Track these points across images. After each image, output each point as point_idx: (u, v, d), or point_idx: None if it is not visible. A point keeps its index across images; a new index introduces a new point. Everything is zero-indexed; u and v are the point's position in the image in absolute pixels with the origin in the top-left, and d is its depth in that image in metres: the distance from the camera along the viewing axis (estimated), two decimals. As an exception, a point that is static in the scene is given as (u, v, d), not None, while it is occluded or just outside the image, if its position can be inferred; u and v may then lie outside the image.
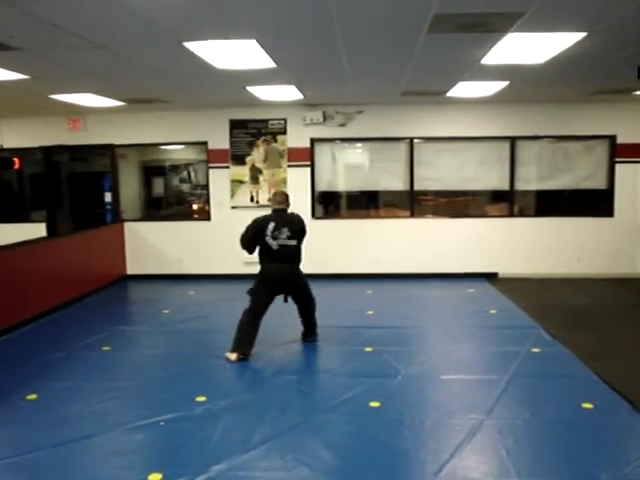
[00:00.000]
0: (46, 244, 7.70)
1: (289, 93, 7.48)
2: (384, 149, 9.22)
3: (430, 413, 4.20)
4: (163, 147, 10.52)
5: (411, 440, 3.82)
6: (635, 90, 7.41)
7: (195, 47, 4.80)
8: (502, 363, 5.19)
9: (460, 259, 9.03)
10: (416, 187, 9.09)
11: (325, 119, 8.86)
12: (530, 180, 9.07)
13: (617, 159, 8.82)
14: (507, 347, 5.64)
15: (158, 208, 11.20)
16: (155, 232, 9.44)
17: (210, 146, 9.16)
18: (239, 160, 9.08)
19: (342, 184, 9.47)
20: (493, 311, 7.08)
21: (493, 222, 9.11)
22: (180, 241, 9.34)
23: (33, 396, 4.58)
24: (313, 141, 9.06)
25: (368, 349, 5.66)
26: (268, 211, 5.70)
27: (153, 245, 9.36)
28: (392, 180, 9.20)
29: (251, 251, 5.56)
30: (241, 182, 9.12)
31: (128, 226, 9.46)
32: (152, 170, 11.19)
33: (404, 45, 4.90)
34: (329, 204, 9.58)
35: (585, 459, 3.52)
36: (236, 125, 9.05)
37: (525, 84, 6.92)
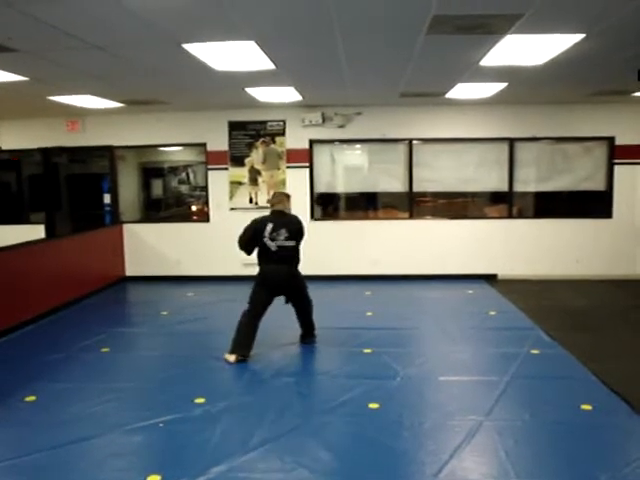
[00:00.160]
0: (45, 245, 7.69)
1: (288, 95, 7.49)
2: (383, 150, 9.23)
3: (429, 414, 4.20)
4: (162, 149, 10.52)
5: (410, 441, 3.82)
6: (634, 92, 7.42)
7: (194, 49, 4.81)
8: (501, 364, 5.19)
9: (459, 260, 9.03)
10: (415, 188, 9.09)
11: (324, 120, 8.86)
12: (529, 181, 9.08)
13: (616, 160, 8.83)
14: (506, 348, 5.64)
15: (157, 210, 11.20)
16: (154, 234, 9.43)
17: (209, 147, 9.17)
18: (238, 161, 9.08)
19: (341, 185, 9.47)
20: (492, 312, 7.08)
21: (492, 223, 9.12)
22: (179, 242, 9.33)
23: (32, 397, 4.57)
24: (312, 142, 9.06)
25: (367, 350, 5.65)
26: (267, 212, 5.70)
27: (152, 247, 9.36)
28: (391, 181, 9.20)
29: (249, 252, 5.56)
30: (240, 183, 9.12)
31: (127, 228, 9.45)
32: (151, 172, 11.19)
33: (403, 46, 4.91)
34: (328, 205, 9.58)
35: (584, 460, 3.52)
36: (235, 126, 9.05)
37: (524, 85, 6.93)
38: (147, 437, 3.93)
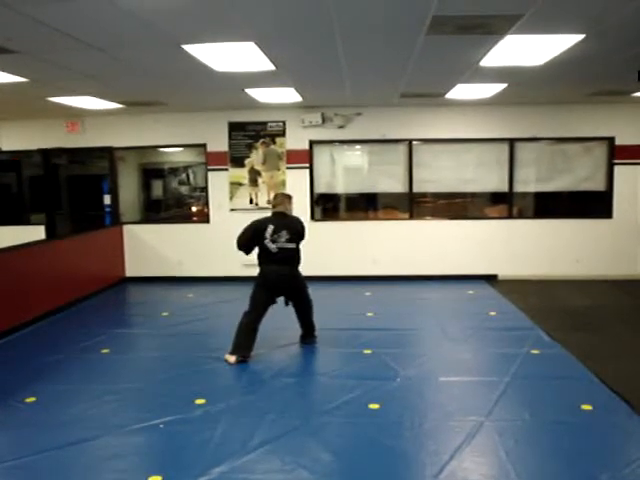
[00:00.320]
0: (45, 247, 7.70)
1: (288, 95, 7.49)
2: (383, 151, 9.23)
3: (429, 415, 4.20)
4: (162, 149, 10.53)
5: (410, 442, 3.81)
6: (634, 92, 7.42)
7: (194, 49, 4.81)
8: (501, 365, 5.19)
9: (459, 261, 9.03)
10: (415, 189, 9.09)
11: (324, 121, 8.86)
12: (529, 182, 9.08)
13: (616, 161, 8.83)
14: (506, 349, 5.64)
15: (157, 210, 11.19)
16: (154, 234, 9.43)
17: (209, 148, 9.17)
18: (238, 162, 9.08)
19: (341, 186, 9.47)
20: (492, 313, 7.08)
21: (492, 224, 9.12)
22: (179, 243, 9.33)
23: (32, 398, 4.57)
24: (312, 143, 9.06)
25: (367, 351, 5.65)
26: (267, 213, 5.71)
27: (152, 247, 9.36)
28: (391, 182, 9.20)
29: (248, 252, 5.56)
30: (240, 184, 9.12)
31: (127, 228, 9.45)
32: (151, 172, 11.19)
33: (403, 47, 4.91)
34: (328, 206, 9.58)
35: (584, 460, 3.52)
36: (235, 127, 9.05)
37: (524, 86, 6.93)
38: (148, 438, 3.93)
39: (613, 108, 8.65)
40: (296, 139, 8.99)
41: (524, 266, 8.99)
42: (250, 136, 9.03)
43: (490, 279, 8.97)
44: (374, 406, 4.34)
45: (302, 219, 5.70)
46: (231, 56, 5.09)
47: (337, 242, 9.09)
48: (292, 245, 5.45)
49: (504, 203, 9.14)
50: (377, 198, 9.62)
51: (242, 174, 9.10)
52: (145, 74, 5.90)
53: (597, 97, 7.93)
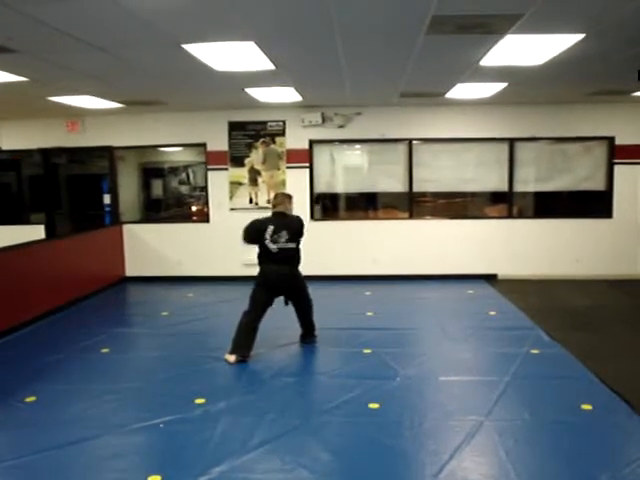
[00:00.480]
0: (45, 246, 7.70)
1: (288, 95, 7.49)
2: (383, 150, 9.23)
3: (429, 414, 4.20)
4: (162, 149, 10.53)
5: (410, 442, 3.82)
6: (634, 91, 7.42)
7: (194, 49, 4.81)
8: (501, 364, 5.19)
9: (459, 260, 9.03)
10: (415, 188, 9.09)
11: (324, 121, 8.86)
12: (529, 181, 9.08)
13: (616, 160, 8.83)
14: (506, 348, 5.64)
15: (157, 210, 11.19)
16: (154, 234, 9.43)
17: (209, 148, 9.17)
18: (238, 162, 9.08)
19: (341, 185, 9.47)
20: (492, 312, 7.08)
21: (492, 223, 9.12)
22: (179, 243, 9.33)
23: (32, 398, 4.57)
24: (312, 143, 9.06)
25: (367, 351, 5.65)
26: (267, 213, 5.70)
27: (152, 247, 9.36)
28: (391, 181, 9.20)
29: (252, 244, 5.56)
30: (240, 184, 9.12)
31: (127, 228, 9.45)
32: (151, 172, 11.19)
33: (403, 46, 4.91)
34: (328, 205, 9.58)
35: (584, 460, 3.52)
36: (235, 127, 9.05)
37: (523, 85, 6.93)
38: (147, 437, 3.93)
39: (613, 108, 8.65)
40: (296, 138, 8.99)
41: (524, 266, 8.99)
42: (250, 135, 9.03)
43: (490, 279, 8.97)
44: (374, 405, 4.34)
45: (303, 219, 5.69)
46: (231, 56, 5.09)
47: (337, 242, 9.09)
48: (292, 245, 5.45)
49: (504, 203, 9.14)
50: (377, 198, 9.63)
51: (242, 173, 9.10)
52: (145, 74, 5.90)
53: (597, 97, 7.93)
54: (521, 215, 9.26)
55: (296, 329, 5.89)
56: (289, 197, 5.71)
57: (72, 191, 10.67)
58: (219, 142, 9.07)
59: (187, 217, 10.65)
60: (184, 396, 4.55)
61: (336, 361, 5.52)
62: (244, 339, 5.38)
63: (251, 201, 9.11)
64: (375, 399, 4.44)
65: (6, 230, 8.94)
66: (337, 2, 3.70)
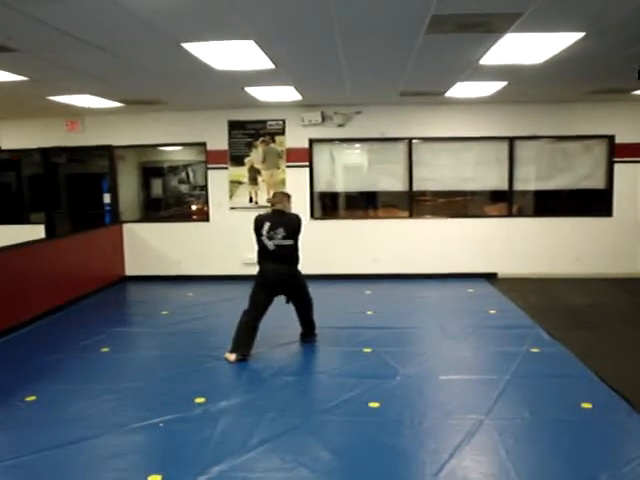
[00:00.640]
0: (45, 245, 7.69)
1: (287, 94, 7.48)
2: (383, 149, 9.23)
3: (429, 413, 4.20)
4: (162, 148, 10.52)
5: (410, 440, 3.82)
6: (634, 90, 7.41)
7: (193, 48, 4.80)
8: (501, 363, 5.19)
9: (459, 259, 9.03)
10: (415, 187, 9.09)
11: (323, 120, 8.86)
12: (529, 180, 9.07)
13: (616, 159, 8.82)
14: (506, 347, 5.64)
15: (157, 209, 11.19)
16: (154, 233, 9.43)
17: (209, 147, 9.17)
18: (238, 161, 9.08)
19: (341, 184, 9.47)
20: (492, 311, 7.08)
21: (492, 222, 9.11)
22: (179, 242, 9.33)
23: (32, 397, 4.57)
24: (312, 142, 9.06)
25: (367, 350, 5.65)
26: (265, 211, 5.71)
27: (152, 246, 9.36)
28: (391, 180, 9.20)
29: None
30: (240, 183, 9.12)
31: (127, 227, 9.45)
32: (151, 171, 11.17)
33: (402, 45, 4.90)
34: (328, 204, 9.58)
35: (584, 459, 3.53)
36: (235, 126, 9.05)
37: (523, 84, 6.93)
38: (147, 437, 3.93)
39: (613, 106, 8.64)
40: (296, 137, 8.99)
41: (524, 264, 8.99)
42: (250, 135, 9.03)
43: (490, 277, 8.97)
44: (374, 404, 4.34)
45: (301, 217, 5.67)
46: (231, 55, 5.09)
47: (337, 240, 9.09)
48: (289, 242, 5.43)
49: (504, 201, 9.14)
50: (377, 196, 9.62)
51: (242, 173, 9.10)
52: (145, 73, 5.90)
53: (597, 95, 7.92)
54: (521, 214, 9.25)
55: (296, 328, 5.89)
56: (287, 196, 5.71)
57: (72, 190, 10.67)
58: (219, 141, 9.07)
59: (187, 216, 10.64)
60: (184, 395, 4.55)
61: (336, 360, 5.52)
62: (244, 338, 5.38)
63: (251, 200, 9.11)
64: (375, 398, 4.44)
65: (6, 230, 8.94)
66: (337, 1, 3.70)
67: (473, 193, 9.40)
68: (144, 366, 5.50)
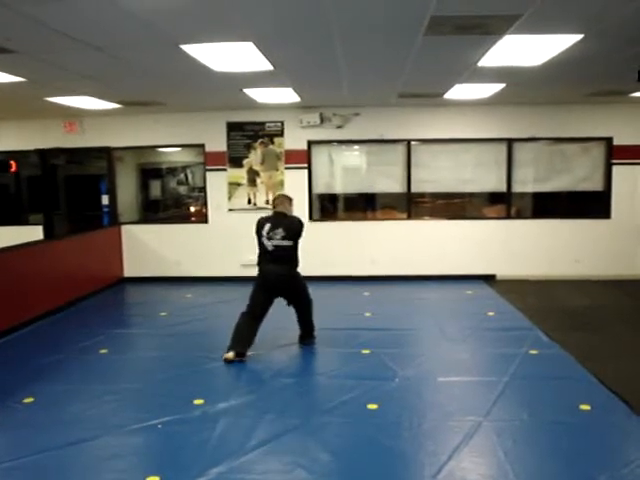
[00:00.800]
0: (43, 247, 7.68)
1: (286, 96, 7.49)
2: (381, 151, 9.23)
3: (428, 415, 4.20)
4: (160, 150, 10.52)
5: (409, 442, 3.81)
6: (632, 92, 7.42)
7: (192, 49, 4.81)
8: (500, 365, 5.19)
9: (458, 261, 9.03)
10: (413, 189, 9.09)
11: (322, 121, 8.86)
12: (527, 182, 9.08)
13: (614, 161, 8.84)
14: (505, 349, 5.64)
15: (155, 211, 11.18)
16: (153, 235, 9.42)
17: (207, 149, 9.16)
18: (236, 162, 9.08)
19: (339, 186, 9.47)
20: (491, 313, 7.08)
21: (490, 224, 9.12)
22: (178, 244, 9.32)
23: (31, 399, 4.57)
24: (310, 143, 9.06)
25: (366, 351, 5.65)
26: (265, 213, 5.71)
27: (151, 248, 9.35)
28: (389, 182, 9.21)
29: None
30: (238, 184, 9.12)
31: (125, 229, 9.44)
32: (149, 173, 11.17)
33: (401, 47, 4.91)
34: (326, 206, 9.58)
35: (583, 460, 3.53)
36: (233, 127, 9.05)
37: (522, 86, 6.94)
38: (146, 438, 3.93)
39: (611, 108, 8.66)
40: (294, 139, 8.99)
41: (522, 266, 8.99)
42: (248, 136, 9.03)
43: (488, 279, 8.98)
44: (373, 406, 4.34)
45: (302, 219, 5.68)
46: (229, 56, 5.09)
47: (335, 242, 9.09)
48: (288, 243, 5.43)
49: (502, 203, 9.15)
50: (375, 198, 9.63)
51: (240, 174, 9.10)
52: (143, 74, 5.90)
53: (595, 97, 7.93)
54: (519, 215, 9.26)
55: (295, 329, 5.88)
56: (289, 199, 5.73)
57: (70, 192, 10.66)
58: (217, 143, 9.07)
59: (186, 218, 10.65)
60: (183, 397, 4.55)
61: (335, 362, 5.52)
62: (241, 336, 5.37)
63: (250, 202, 9.11)
64: (374, 400, 4.44)
65: (4, 231, 8.93)
66: (336, 3, 3.70)
67: (471, 195, 9.42)
68: (143, 367, 5.50)
